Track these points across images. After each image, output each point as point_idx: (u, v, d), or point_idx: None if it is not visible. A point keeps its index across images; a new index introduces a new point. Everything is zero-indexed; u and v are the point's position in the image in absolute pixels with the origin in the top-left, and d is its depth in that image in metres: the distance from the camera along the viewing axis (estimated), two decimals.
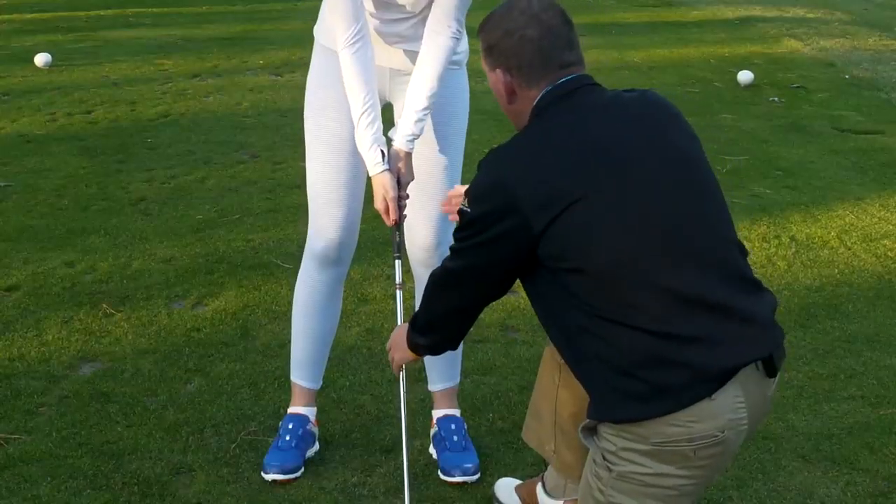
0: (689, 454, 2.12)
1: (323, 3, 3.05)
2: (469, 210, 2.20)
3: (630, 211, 2.11)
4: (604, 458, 2.21)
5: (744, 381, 2.12)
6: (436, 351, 2.55)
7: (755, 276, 2.27)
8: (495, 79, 2.29)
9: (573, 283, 2.13)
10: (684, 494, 2.20)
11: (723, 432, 2.12)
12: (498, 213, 2.14)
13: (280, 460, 3.10)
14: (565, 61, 2.24)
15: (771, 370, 2.18)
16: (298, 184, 5.63)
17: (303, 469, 3.12)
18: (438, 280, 2.37)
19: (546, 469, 2.87)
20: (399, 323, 2.94)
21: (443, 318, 2.42)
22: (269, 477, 3.08)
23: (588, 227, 2.09)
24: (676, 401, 2.09)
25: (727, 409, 2.11)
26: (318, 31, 3.11)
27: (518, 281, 2.31)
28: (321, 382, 3.32)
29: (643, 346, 2.10)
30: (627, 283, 2.10)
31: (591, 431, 2.26)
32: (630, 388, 2.12)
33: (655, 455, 2.14)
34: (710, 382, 2.09)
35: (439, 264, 3.12)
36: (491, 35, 2.28)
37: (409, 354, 2.59)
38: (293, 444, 3.14)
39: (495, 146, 2.26)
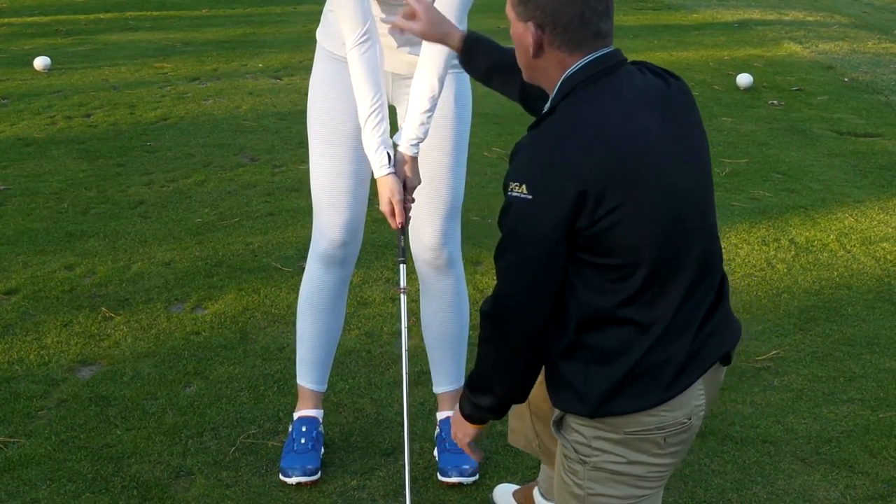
0: (660, 441, 2.16)
1: (325, 6, 3.06)
2: (528, 196, 2.02)
3: (655, 214, 2.06)
4: (576, 451, 2.20)
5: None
6: (502, 405, 2.24)
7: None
8: (523, 30, 2.15)
9: (593, 277, 2.09)
10: (659, 478, 2.24)
11: (689, 419, 2.17)
12: (559, 194, 2.00)
13: (301, 463, 3.10)
14: (602, 30, 2.13)
15: (726, 360, 2.25)
16: (298, 187, 5.65)
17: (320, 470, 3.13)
18: (492, 311, 2.12)
19: (541, 472, 2.87)
20: (403, 324, 2.94)
21: (510, 355, 2.15)
22: (292, 480, 3.08)
23: (620, 226, 2.03)
24: (664, 394, 2.12)
25: (693, 397, 2.17)
26: (321, 33, 3.11)
27: None
28: (326, 385, 3.32)
29: (636, 342, 2.10)
30: (642, 281, 2.08)
31: (560, 424, 2.24)
32: (622, 381, 2.11)
33: (628, 444, 2.16)
34: (691, 375, 2.14)
35: (446, 265, 3.14)
36: None
37: (471, 428, 2.31)
38: (309, 447, 3.15)
39: (534, 129, 2.13)
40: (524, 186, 2.04)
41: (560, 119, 2.11)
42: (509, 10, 2.18)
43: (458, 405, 2.31)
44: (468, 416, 2.28)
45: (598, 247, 2.05)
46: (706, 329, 2.17)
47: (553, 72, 2.16)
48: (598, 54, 2.13)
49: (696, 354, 2.15)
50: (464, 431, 2.33)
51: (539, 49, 2.14)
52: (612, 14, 2.16)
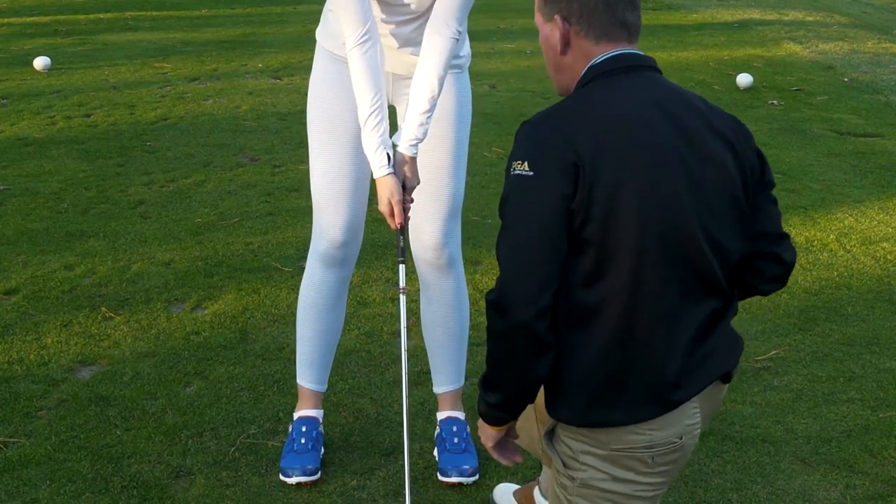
0: (648, 460, 2.12)
1: (325, 6, 3.06)
2: (530, 172, 2.00)
3: (649, 214, 2.03)
4: (565, 465, 2.19)
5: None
6: (510, 402, 2.17)
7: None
8: (550, 28, 2.16)
9: (577, 268, 2.05)
10: (649, 497, 2.19)
11: (681, 438, 2.12)
12: (557, 165, 1.99)
13: (301, 462, 3.11)
14: (628, 20, 2.13)
15: (727, 378, 2.19)
16: (297, 187, 5.65)
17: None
18: (496, 299, 2.05)
19: (542, 471, 2.87)
20: (403, 324, 2.94)
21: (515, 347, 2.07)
22: (292, 480, 3.08)
23: (612, 216, 2.01)
24: (653, 409, 2.08)
25: (686, 416, 2.11)
26: (320, 33, 3.11)
27: None
28: (327, 384, 3.32)
29: (621, 348, 2.07)
30: (624, 281, 2.04)
31: (551, 436, 2.23)
32: (608, 388, 2.08)
33: (614, 460, 2.12)
34: (684, 393, 2.09)
35: (447, 265, 3.14)
36: None
37: (490, 430, 2.27)
38: (309, 447, 3.15)
39: (546, 109, 2.12)
40: (526, 163, 2.03)
41: (572, 100, 2.12)
42: (537, 17, 2.19)
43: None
44: (483, 416, 2.23)
45: (587, 235, 2.02)
46: (703, 347, 2.11)
47: (579, 67, 2.15)
48: (624, 51, 2.13)
49: (691, 373, 2.09)
50: (485, 434, 2.28)
51: (566, 44, 2.14)
52: (639, 7, 2.16)
